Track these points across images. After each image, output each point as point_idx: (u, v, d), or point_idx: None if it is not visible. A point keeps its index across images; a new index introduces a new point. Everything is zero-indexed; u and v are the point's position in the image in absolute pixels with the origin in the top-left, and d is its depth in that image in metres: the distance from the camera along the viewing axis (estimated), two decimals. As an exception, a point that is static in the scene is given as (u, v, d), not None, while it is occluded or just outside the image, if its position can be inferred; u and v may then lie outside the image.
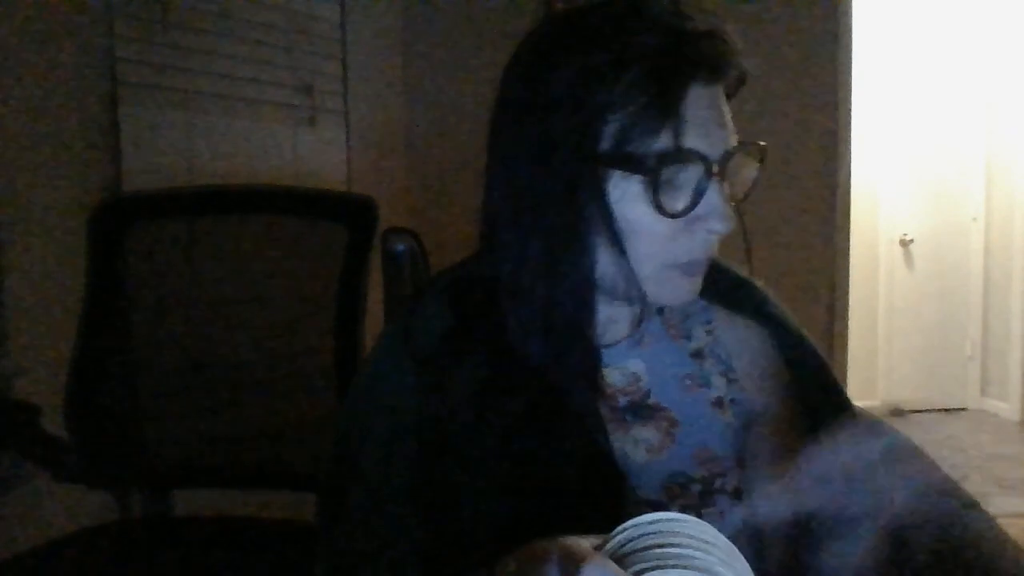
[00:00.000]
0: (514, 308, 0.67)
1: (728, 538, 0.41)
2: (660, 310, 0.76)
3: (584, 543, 0.41)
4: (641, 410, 0.71)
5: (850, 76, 2.56)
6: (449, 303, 0.72)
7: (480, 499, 0.63)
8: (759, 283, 0.81)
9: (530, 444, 0.64)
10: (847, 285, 2.64)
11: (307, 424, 1.38)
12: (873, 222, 4.61)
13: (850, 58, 2.55)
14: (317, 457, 0.75)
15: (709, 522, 0.42)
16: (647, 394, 0.71)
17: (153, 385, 1.42)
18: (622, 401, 0.71)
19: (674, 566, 0.39)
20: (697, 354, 0.75)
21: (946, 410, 4.72)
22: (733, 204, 0.65)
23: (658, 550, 0.40)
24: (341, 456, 0.72)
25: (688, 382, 0.73)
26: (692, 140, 0.61)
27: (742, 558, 0.41)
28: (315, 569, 0.71)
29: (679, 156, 0.61)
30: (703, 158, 0.61)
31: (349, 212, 1.38)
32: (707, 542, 0.40)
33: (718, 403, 0.73)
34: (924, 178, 4.66)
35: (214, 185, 1.84)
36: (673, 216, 0.62)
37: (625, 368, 0.72)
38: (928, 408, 4.71)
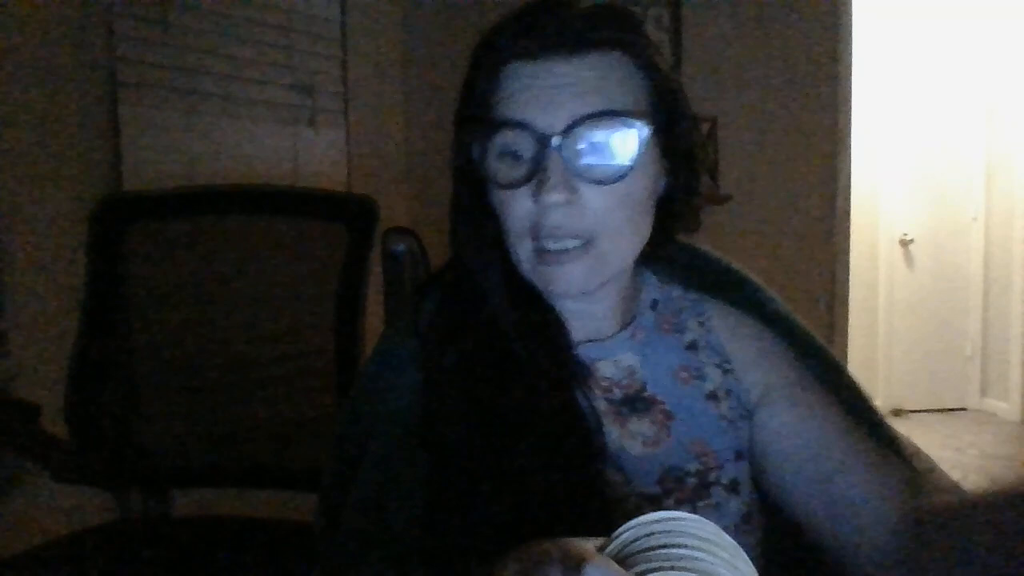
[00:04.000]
0: (460, 287, 0.71)
1: (724, 529, 0.41)
2: (653, 305, 0.76)
3: (586, 543, 0.40)
4: (636, 403, 0.71)
5: (851, 76, 2.56)
6: (445, 299, 0.72)
7: (478, 496, 0.63)
8: (749, 273, 0.81)
9: (518, 437, 0.64)
10: (847, 285, 2.64)
11: (307, 424, 1.37)
12: (873, 222, 4.61)
13: (851, 58, 2.55)
14: (317, 457, 0.75)
15: (705, 515, 0.42)
16: (642, 387, 0.72)
17: (153, 385, 1.41)
18: (617, 394, 0.71)
19: (676, 568, 0.39)
20: (691, 346, 0.75)
21: (946, 410, 4.72)
22: (604, 177, 0.63)
23: (661, 551, 0.39)
24: (342, 455, 0.73)
25: (683, 375, 0.73)
26: (518, 111, 0.63)
27: (746, 558, 0.41)
28: (315, 569, 0.71)
29: (497, 127, 0.64)
30: (528, 128, 0.63)
31: (349, 212, 1.38)
32: (711, 542, 0.40)
33: (712, 396, 0.73)
34: (924, 178, 4.66)
35: (214, 185, 1.84)
36: (504, 187, 0.65)
37: (619, 361, 0.72)
38: (928, 408, 4.71)
